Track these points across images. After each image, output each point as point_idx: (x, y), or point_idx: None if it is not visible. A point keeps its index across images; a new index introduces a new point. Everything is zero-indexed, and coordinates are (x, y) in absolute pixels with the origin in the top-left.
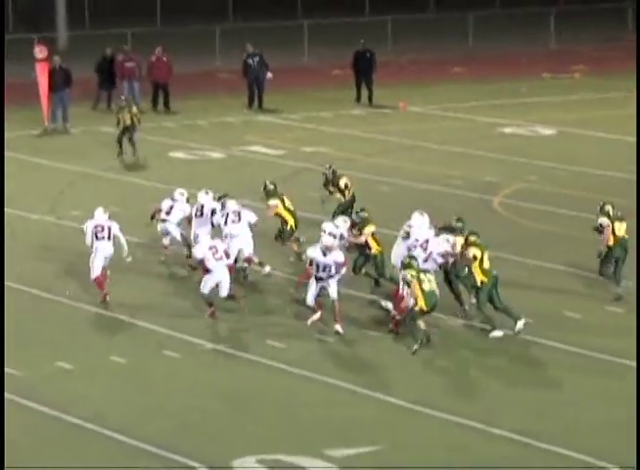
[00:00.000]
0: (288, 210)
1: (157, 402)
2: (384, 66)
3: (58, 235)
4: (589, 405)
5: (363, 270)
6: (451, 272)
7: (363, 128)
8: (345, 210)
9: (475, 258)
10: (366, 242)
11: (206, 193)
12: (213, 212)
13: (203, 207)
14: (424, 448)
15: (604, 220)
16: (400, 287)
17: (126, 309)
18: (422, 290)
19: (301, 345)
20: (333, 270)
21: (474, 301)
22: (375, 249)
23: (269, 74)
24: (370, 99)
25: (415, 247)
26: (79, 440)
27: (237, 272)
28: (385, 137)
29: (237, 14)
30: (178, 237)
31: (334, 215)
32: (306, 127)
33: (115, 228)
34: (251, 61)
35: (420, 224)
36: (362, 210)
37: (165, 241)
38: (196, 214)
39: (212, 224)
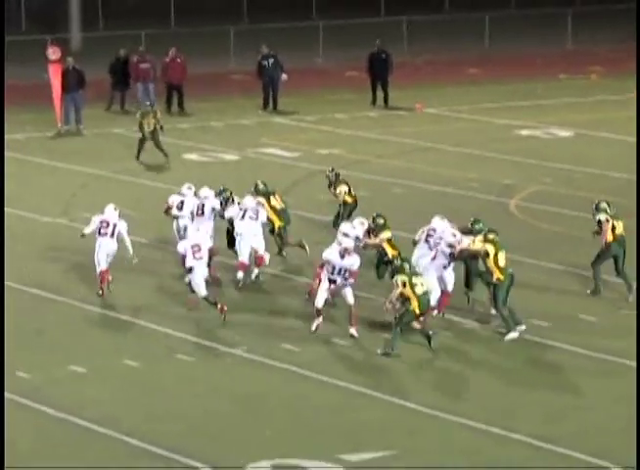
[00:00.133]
0: (274, 209)
1: (170, 406)
2: (399, 67)
3: (70, 238)
4: (606, 409)
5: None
6: (471, 269)
7: (378, 130)
8: (343, 217)
9: (487, 254)
10: (382, 247)
11: (190, 188)
12: (214, 210)
13: (204, 205)
14: (439, 453)
15: (602, 217)
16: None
17: (140, 312)
18: (415, 294)
19: (315, 348)
20: (348, 274)
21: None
22: (391, 254)
23: (284, 76)
24: (386, 101)
25: (438, 245)
26: (90, 442)
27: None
28: (399, 139)
29: (251, 15)
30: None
31: (334, 223)
32: (321, 129)
33: (123, 228)
34: (265, 62)
35: (441, 227)
36: (378, 215)
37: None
38: (197, 213)
39: (222, 217)
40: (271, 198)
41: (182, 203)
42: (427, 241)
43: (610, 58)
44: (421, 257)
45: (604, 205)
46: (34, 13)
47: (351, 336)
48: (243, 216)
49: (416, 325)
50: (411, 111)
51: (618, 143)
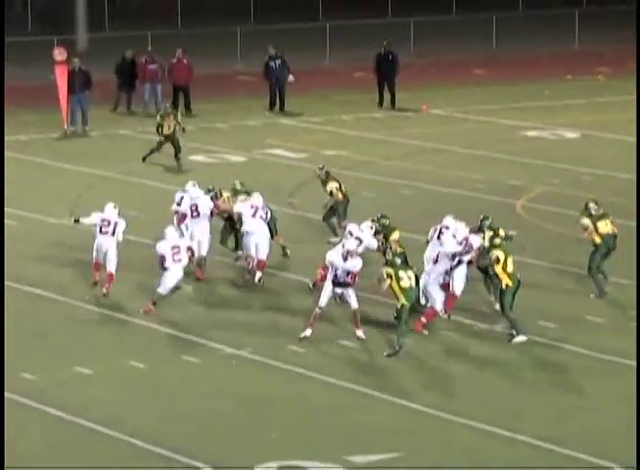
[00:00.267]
0: None
1: (175, 407)
2: (406, 68)
3: (75, 239)
4: (611, 410)
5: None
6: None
7: (385, 131)
8: (335, 212)
9: (497, 260)
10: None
11: (194, 185)
12: (211, 213)
13: (197, 205)
14: (445, 454)
15: (584, 222)
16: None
17: (146, 314)
18: (400, 287)
19: (321, 349)
20: (350, 277)
21: (497, 307)
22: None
23: (291, 77)
24: (392, 102)
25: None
26: (95, 443)
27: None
28: (406, 140)
29: (257, 16)
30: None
31: (324, 218)
32: (327, 130)
33: (121, 227)
34: (272, 63)
35: (454, 226)
36: (383, 216)
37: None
38: (192, 214)
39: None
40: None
41: (182, 198)
42: (439, 238)
43: (617, 59)
44: (431, 258)
45: (591, 205)
46: (40, 14)
47: (359, 338)
48: (254, 215)
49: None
50: (418, 112)
51: (625, 144)
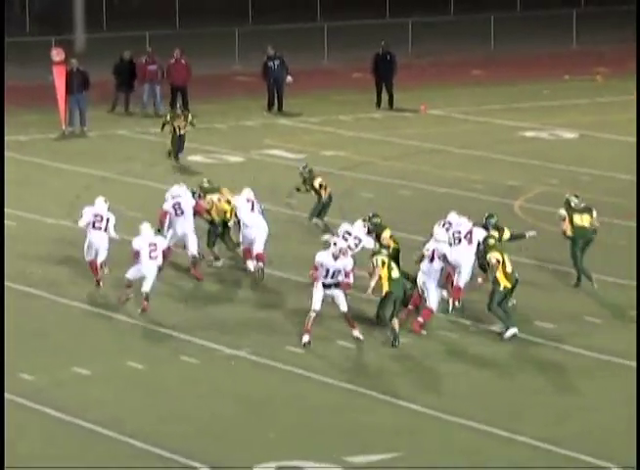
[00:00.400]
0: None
1: (174, 407)
2: (404, 68)
3: (73, 239)
4: (611, 411)
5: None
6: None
7: (383, 132)
8: (322, 210)
9: (498, 262)
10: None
11: (179, 185)
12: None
13: (180, 204)
14: (444, 455)
15: (561, 212)
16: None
17: (143, 314)
18: (389, 276)
19: (319, 350)
20: (340, 277)
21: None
22: (393, 248)
23: (289, 78)
24: (390, 102)
25: (458, 239)
26: (94, 444)
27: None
28: (404, 141)
29: (256, 16)
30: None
31: (311, 216)
32: (326, 131)
33: (111, 222)
34: (271, 63)
35: (458, 222)
36: (374, 215)
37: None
38: (176, 213)
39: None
40: (219, 194)
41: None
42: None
43: (615, 59)
44: None
45: (571, 198)
46: (38, 14)
47: (356, 338)
48: (252, 208)
49: (395, 323)
50: (416, 112)
51: (624, 144)
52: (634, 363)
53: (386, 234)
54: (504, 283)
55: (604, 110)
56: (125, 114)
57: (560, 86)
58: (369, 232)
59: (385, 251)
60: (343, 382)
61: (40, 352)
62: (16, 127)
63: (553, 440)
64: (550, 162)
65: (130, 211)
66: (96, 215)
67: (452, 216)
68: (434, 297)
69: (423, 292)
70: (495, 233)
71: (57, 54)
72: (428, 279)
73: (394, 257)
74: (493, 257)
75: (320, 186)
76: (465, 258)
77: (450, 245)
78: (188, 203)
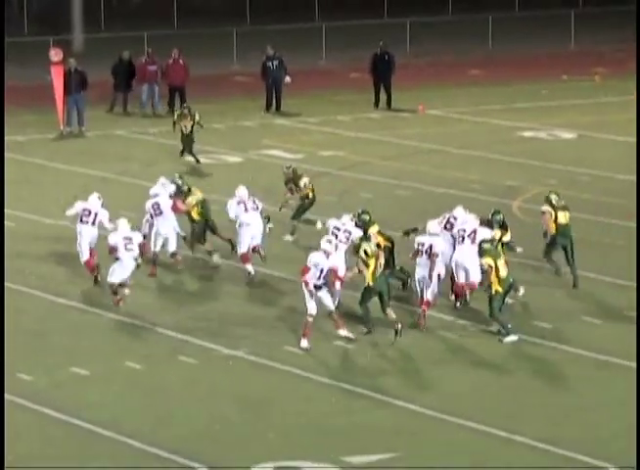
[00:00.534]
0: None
1: (173, 408)
2: (402, 68)
3: (72, 239)
4: (609, 412)
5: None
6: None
7: (381, 132)
8: (305, 210)
9: (490, 267)
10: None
11: (163, 185)
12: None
13: (159, 204)
14: (443, 455)
15: (545, 208)
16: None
17: (142, 314)
18: (374, 267)
19: (319, 350)
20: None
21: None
22: (384, 245)
23: (287, 79)
24: (389, 102)
25: (462, 237)
26: (92, 445)
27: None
28: (403, 141)
29: (254, 16)
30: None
31: (294, 216)
32: (324, 131)
33: (105, 217)
34: (270, 64)
35: (464, 219)
36: (364, 212)
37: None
38: (155, 213)
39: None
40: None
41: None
42: (445, 228)
43: (613, 59)
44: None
45: (552, 196)
46: (37, 14)
47: (346, 338)
48: (246, 209)
49: (391, 313)
50: (414, 112)
51: (622, 145)
52: (634, 364)
53: (373, 230)
54: (495, 287)
55: (602, 110)
56: (123, 114)
57: (558, 86)
58: (357, 227)
59: (370, 243)
60: (342, 382)
61: (39, 353)
62: (14, 127)
63: (552, 440)
64: (548, 162)
65: (129, 211)
66: (85, 210)
67: (458, 211)
68: (428, 288)
69: (420, 284)
70: (498, 232)
71: (55, 54)
72: (424, 272)
73: (388, 253)
74: (486, 263)
75: (304, 186)
76: (469, 257)
77: (454, 242)
78: (166, 202)
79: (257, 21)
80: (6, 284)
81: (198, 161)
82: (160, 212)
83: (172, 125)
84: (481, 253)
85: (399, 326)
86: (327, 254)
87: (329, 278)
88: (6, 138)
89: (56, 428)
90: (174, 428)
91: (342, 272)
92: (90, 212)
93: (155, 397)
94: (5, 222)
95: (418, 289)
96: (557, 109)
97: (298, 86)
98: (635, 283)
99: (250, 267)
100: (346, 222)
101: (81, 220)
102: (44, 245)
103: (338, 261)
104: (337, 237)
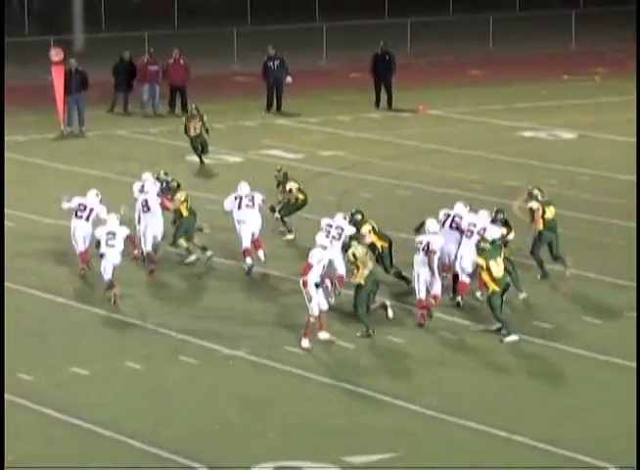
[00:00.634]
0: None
1: (173, 408)
2: (403, 68)
3: (71, 239)
4: (609, 412)
5: (393, 270)
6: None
7: (381, 132)
8: (298, 209)
9: (482, 267)
10: (371, 243)
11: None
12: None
13: (147, 201)
14: (443, 455)
15: (534, 204)
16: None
17: (142, 314)
18: (365, 266)
19: (320, 351)
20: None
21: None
22: (379, 244)
23: (289, 79)
24: (389, 102)
25: (470, 232)
26: (92, 445)
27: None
28: (403, 141)
29: (254, 16)
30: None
31: (285, 214)
32: (324, 131)
33: (103, 212)
34: (271, 63)
35: (465, 214)
36: (357, 211)
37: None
38: (143, 210)
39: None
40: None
41: (143, 186)
42: (451, 226)
43: (614, 59)
44: (446, 243)
45: (536, 192)
46: (37, 14)
47: (326, 341)
48: (239, 206)
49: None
50: (414, 112)
51: (622, 145)
52: (634, 364)
53: (364, 229)
54: (492, 287)
55: (602, 110)
56: (124, 114)
57: (558, 86)
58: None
59: (354, 243)
60: (342, 382)
61: (39, 353)
62: (14, 127)
63: (552, 440)
64: (549, 162)
65: (129, 211)
66: (80, 205)
67: (459, 208)
68: (422, 288)
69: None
70: (503, 230)
71: (56, 54)
72: (423, 270)
73: (387, 253)
74: (477, 262)
75: (290, 191)
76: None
77: (461, 238)
78: (154, 200)
79: (258, 21)
80: (6, 284)
81: (202, 162)
82: (148, 209)
83: (184, 129)
84: (477, 251)
85: (387, 302)
86: (325, 247)
87: (330, 276)
88: (6, 138)
89: (56, 428)
90: (174, 428)
91: (341, 270)
92: (85, 208)
93: (155, 397)
94: (5, 222)
95: (416, 288)
96: (557, 109)
97: (299, 86)
98: (635, 283)
99: (249, 260)
100: (340, 219)
101: (76, 215)
102: (44, 245)
103: (336, 255)
104: (329, 233)
